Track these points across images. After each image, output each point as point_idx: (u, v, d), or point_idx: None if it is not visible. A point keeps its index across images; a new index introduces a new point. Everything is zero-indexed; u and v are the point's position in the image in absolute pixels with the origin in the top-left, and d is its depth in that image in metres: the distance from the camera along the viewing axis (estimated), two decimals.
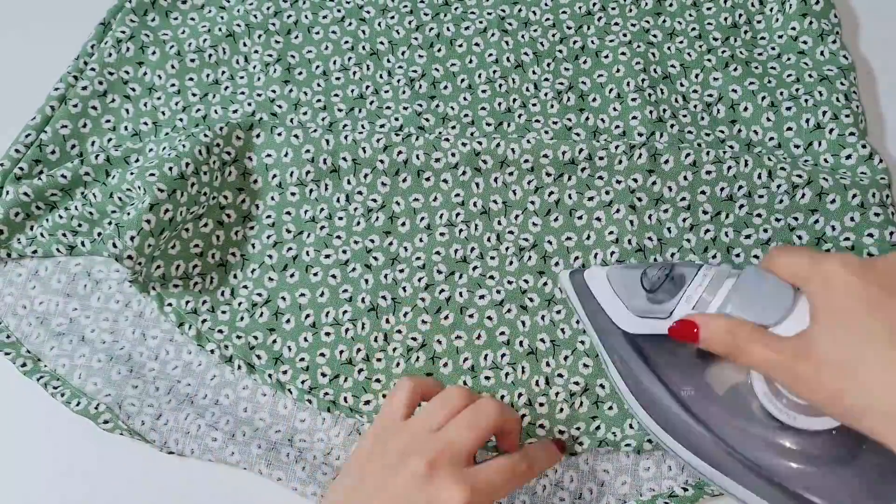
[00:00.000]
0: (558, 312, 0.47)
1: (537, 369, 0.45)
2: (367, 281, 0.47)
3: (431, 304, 0.47)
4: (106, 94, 0.53)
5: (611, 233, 0.48)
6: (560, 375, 0.45)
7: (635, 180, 0.48)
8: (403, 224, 0.49)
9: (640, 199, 0.48)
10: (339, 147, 0.49)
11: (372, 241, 0.48)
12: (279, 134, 0.50)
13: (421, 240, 0.48)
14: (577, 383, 0.45)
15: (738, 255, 0.48)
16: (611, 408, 0.44)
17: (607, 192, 0.49)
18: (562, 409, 0.45)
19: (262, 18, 0.55)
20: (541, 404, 0.45)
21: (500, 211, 0.49)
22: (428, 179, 0.49)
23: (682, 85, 0.53)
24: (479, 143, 0.49)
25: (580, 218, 0.49)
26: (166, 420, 0.45)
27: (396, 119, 0.52)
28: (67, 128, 0.51)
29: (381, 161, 0.49)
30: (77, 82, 0.52)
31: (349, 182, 0.49)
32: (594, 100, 0.53)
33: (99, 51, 0.53)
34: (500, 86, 0.53)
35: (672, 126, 0.51)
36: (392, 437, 0.38)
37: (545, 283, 0.47)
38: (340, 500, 0.37)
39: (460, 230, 0.49)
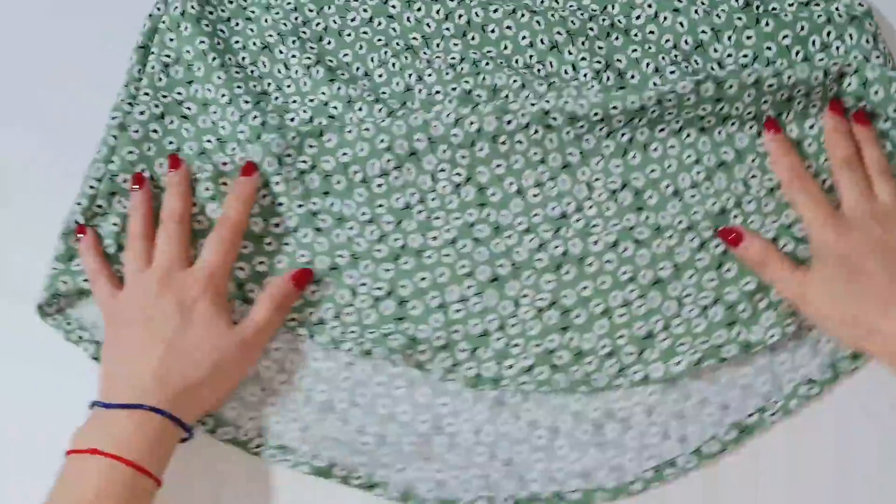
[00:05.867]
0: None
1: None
2: (480, 253, 0.48)
3: (551, 262, 0.48)
4: (163, 116, 0.52)
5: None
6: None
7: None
8: (493, 194, 0.50)
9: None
10: (412, 130, 0.50)
11: (471, 214, 0.49)
12: (349, 132, 0.50)
13: (516, 204, 0.49)
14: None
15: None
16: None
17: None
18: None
19: (291, 27, 0.55)
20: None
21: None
22: (504, 143, 0.50)
23: (715, 51, 0.53)
24: (548, 101, 0.49)
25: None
26: (313, 431, 0.44)
27: (451, 101, 0.52)
28: (134, 153, 0.50)
29: (455, 135, 0.50)
30: (133, 108, 0.51)
31: (430, 162, 0.50)
32: (633, 77, 0.52)
33: (147, 76, 0.52)
34: (539, 70, 0.53)
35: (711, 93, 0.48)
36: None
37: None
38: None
39: (552, 187, 0.49)
